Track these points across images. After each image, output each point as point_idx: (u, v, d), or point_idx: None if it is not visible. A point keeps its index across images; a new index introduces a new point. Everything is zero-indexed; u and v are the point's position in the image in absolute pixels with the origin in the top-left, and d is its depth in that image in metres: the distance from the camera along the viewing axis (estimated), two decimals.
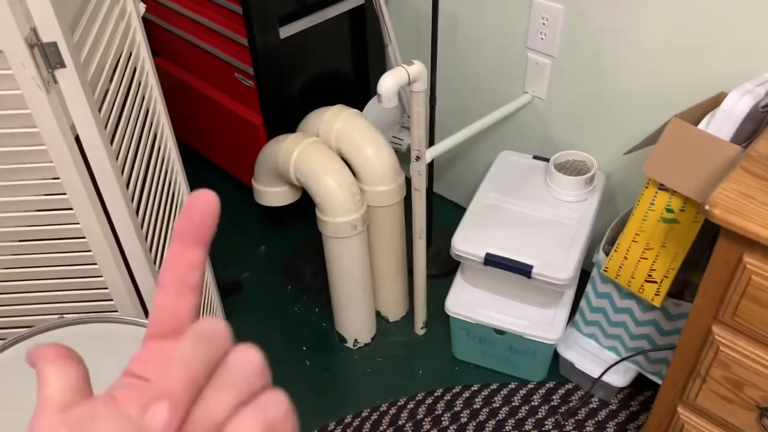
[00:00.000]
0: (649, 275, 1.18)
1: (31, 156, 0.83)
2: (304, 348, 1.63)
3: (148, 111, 1.09)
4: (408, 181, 1.41)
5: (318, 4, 1.60)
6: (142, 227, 0.99)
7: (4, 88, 0.77)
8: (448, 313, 1.44)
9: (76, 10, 0.85)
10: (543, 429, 1.44)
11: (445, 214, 1.81)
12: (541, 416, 1.46)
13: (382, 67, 1.80)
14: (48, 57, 0.77)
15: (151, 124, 1.11)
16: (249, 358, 0.26)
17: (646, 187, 1.13)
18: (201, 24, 1.66)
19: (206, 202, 0.27)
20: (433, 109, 1.50)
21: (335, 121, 1.44)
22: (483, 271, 1.38)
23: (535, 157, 1.55)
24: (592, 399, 1.48)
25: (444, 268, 1.73)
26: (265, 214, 1.90)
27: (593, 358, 1.42)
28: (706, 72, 1.24)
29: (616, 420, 1.44)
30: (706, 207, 0.80)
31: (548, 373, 1.52)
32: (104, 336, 0.89)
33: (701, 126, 1.04)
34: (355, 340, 1.62)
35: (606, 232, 1.33)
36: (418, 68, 1.19)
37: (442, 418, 1.47)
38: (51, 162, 0.83)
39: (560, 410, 1.47)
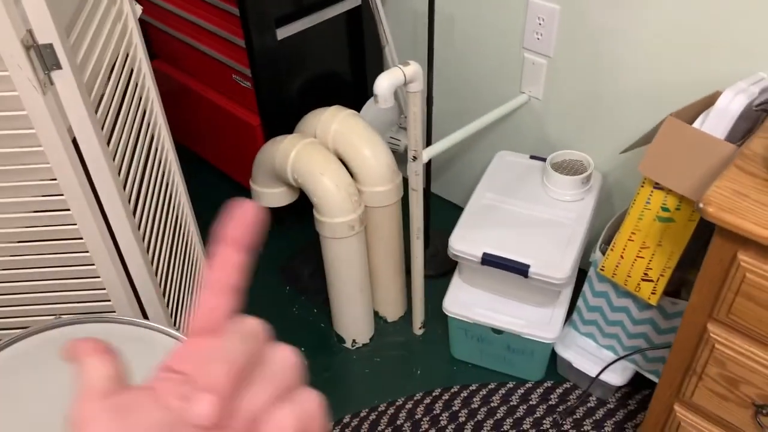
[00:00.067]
0: (646, 274, 1.19)
1: (28, 157, 0.84)
2: (303, 348, 1.63)
3: (145, 112, 1.10)
4: (405, 182, 1.41)
5: (315, 6, 1.61)
6: (139, 228, 0.99)
7: (1, 89, 0.77)
8: (446, 313, 1.45)
9: (72, 11, 0.85)
10: (541, 428, 1.44)
11: (442, 214, 1.81)
12: (539, 415, 1.46)
13: (380, 67, 1.81)
14: (44, 59, 0.77)
15: (149, 125, 1.11)
16: (286, 356, 0.28)
17: (642, 186, 1.13)
18: (198, 26, 1.66)
19: (255, 212, 0.29)
20: (430, 110, 1.50)
21: (332, 121, 1.45)
22: (480, 271, 1.38)
23: (532, 157, 1.55)
24: (590, 398, 1.48)
25: (442, 268, 1.73)
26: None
27: (591, 357, 1.42)
28: (706, 72, 1.23)
29: (613, 419, 1.44)
30: (701, 205, 0.81)
31: (546, 373, 1.52)
32: (102, 336, 0.88)
33: (696, 125, 1.04)
34: (354, 341, 1.62)
35: (603, 232, 1.33)
36: (414, 69, 1.20)
37: (441, 418, 1.47)
38: (48, 163, 0.84)
39: (558, 409, 1.47)
